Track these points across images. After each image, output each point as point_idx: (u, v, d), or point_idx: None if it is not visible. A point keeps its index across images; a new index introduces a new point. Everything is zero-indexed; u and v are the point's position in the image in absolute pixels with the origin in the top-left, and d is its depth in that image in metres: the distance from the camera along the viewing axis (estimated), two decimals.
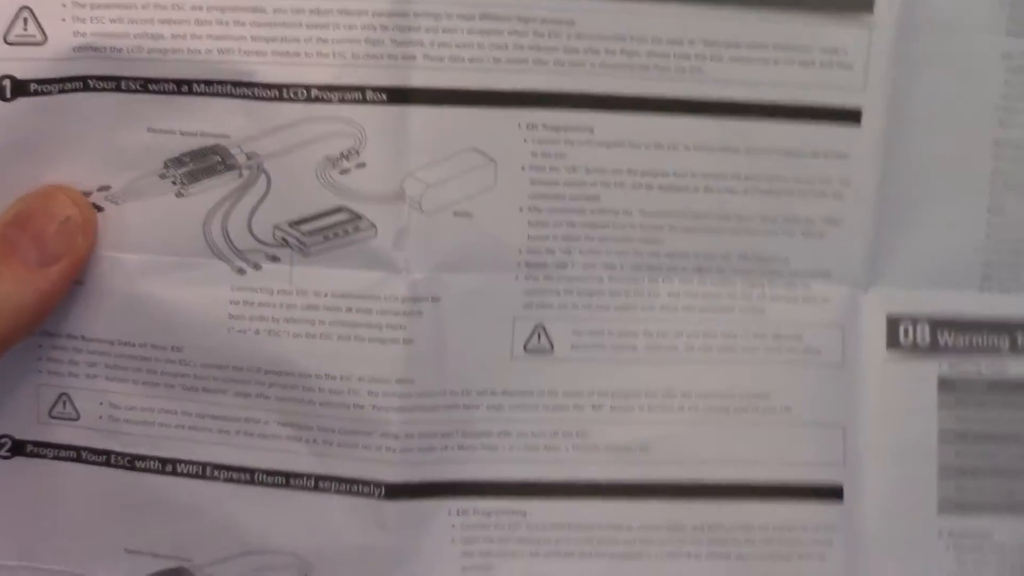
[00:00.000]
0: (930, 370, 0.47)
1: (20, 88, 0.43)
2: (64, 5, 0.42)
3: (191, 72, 0.43)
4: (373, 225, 0.44)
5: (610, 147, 0.45)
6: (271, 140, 0.44)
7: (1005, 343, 0.47)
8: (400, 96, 0.44)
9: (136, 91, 0.43)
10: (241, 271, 0.45)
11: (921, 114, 0.46)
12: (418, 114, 0.44)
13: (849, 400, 0.47)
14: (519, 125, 0.45)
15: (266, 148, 0.44)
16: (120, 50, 0.43)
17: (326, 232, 0.44)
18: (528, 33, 0.44)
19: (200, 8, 0.42)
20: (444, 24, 0.43)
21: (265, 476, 0.46)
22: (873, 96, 0.45)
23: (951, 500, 0.47)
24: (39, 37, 0.42)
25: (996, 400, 0.47)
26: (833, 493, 0.47)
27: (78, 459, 0.46)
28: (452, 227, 0.45)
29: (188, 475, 0.46)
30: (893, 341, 0.47)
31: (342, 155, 0.44)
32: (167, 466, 0.46)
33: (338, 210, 0.44)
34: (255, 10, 0.43)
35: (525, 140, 0.45)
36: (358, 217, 0.44)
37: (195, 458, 0.46)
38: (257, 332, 0.45)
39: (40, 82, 0.43)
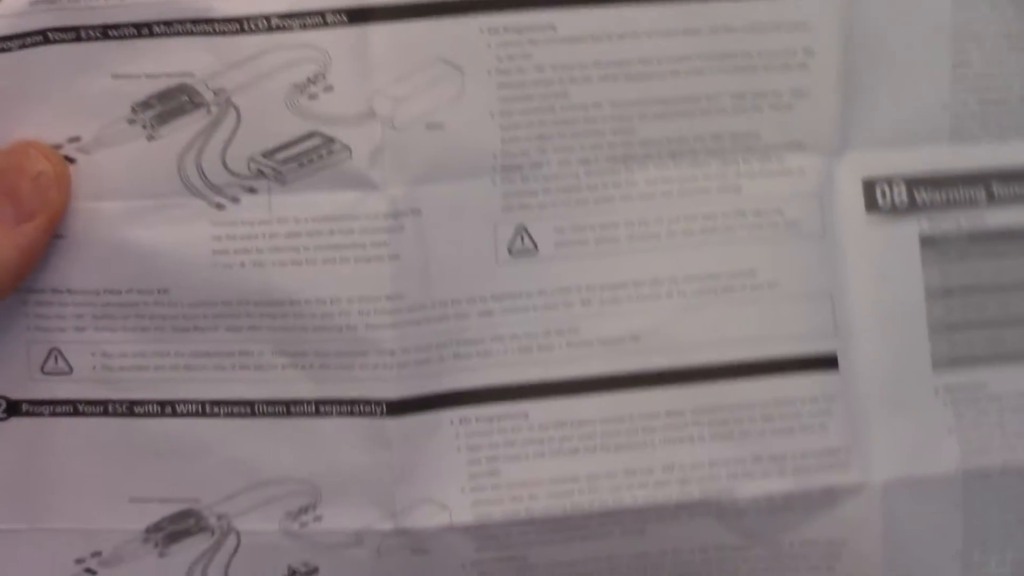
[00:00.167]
0: (910, 229, 0.49)
1: None
2: None
3: (149, 14, 0.45)
4: (347, 147, 0.46)
5: (573, 43, 0.47)
6: (236, 73, 0.45)
7: (982, 194, 0.49)
8: (360, 15, 0.45)
9: (96, 39, 0.45)
10: (220, 207, 0.46)
11: None
12: (379, 31, 0.45)
13: (834, 268, 0.49)
14: (481, 30, 0.46)
15: (232, 82, 0.45)
16: None
17: (300, 159, 0.46)
18: None
19: None
20: None
21: (265, 407, 0.48)
22: None
23: (944, 356, 0.49)
24: None
25: (978, 252, 0.49)
26: (828, 363, 0.49)
27: (75, 412, 0.48)
28: (425, 140, 0.46)
29: (188, 415, 0.48)
30: (871, 204, 0.49)
31: (309, 81, 0.45)
32: (166, 408, 0.48)
33: (310, 135, 0.45)
34: None
35: (488, 45, 0.46)
36: (331, 140, 0.46)
37: (193, 397, 0.48)
38: (242, 265, 0.46)
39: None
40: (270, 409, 0.48)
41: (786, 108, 0.48)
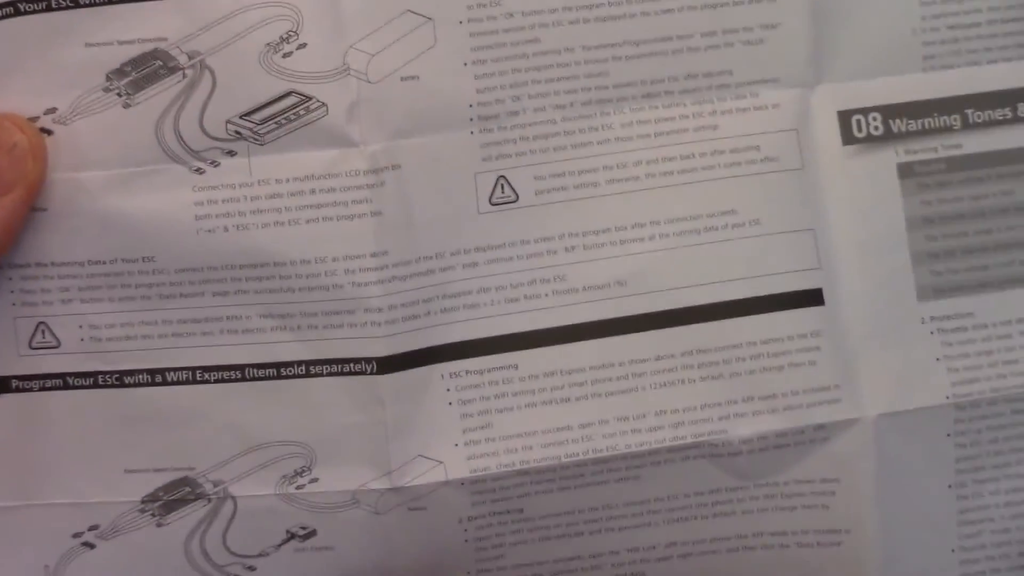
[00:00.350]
0: (888, 159, 0.50)
1: None
2: None
3: None
4: (323, 104, 0.46)
5: None
6: (209, 36, 0.46)
7: (956, 121, 0.50)
8: None
9: (67, 7, 0.45)
10: (200, 171, 0.47)
11: None
12: None
13: (814, 203, 0.49)
14: None
15: (206, 44, 0.46)
16: None
17: (278, 118, 0.46)
18: None
19: None
20: None
21: (256, 371, 0.48)
22: None
23: (928, 286, 0.50)
24: None
25: (956, 179, 0.50)
26: (813, 298, 0.49)
27: (65, 386, 0.48)
28: (401, 93, 0.47)
29: (179, 382, 0.48)
30: (848, 136, 0.49)
31: (282, 39, 0.46)
32: (156, 376, 0.48)
33: (287, 94, 0.46)
34: None
35: None
36: (307, 98, 0.46)
37: (183, 364, 0.48)
38: (226, 229, 0.47)
39: None
40: (260, 373, 0.48)
41: (757, 43, 0.49)
